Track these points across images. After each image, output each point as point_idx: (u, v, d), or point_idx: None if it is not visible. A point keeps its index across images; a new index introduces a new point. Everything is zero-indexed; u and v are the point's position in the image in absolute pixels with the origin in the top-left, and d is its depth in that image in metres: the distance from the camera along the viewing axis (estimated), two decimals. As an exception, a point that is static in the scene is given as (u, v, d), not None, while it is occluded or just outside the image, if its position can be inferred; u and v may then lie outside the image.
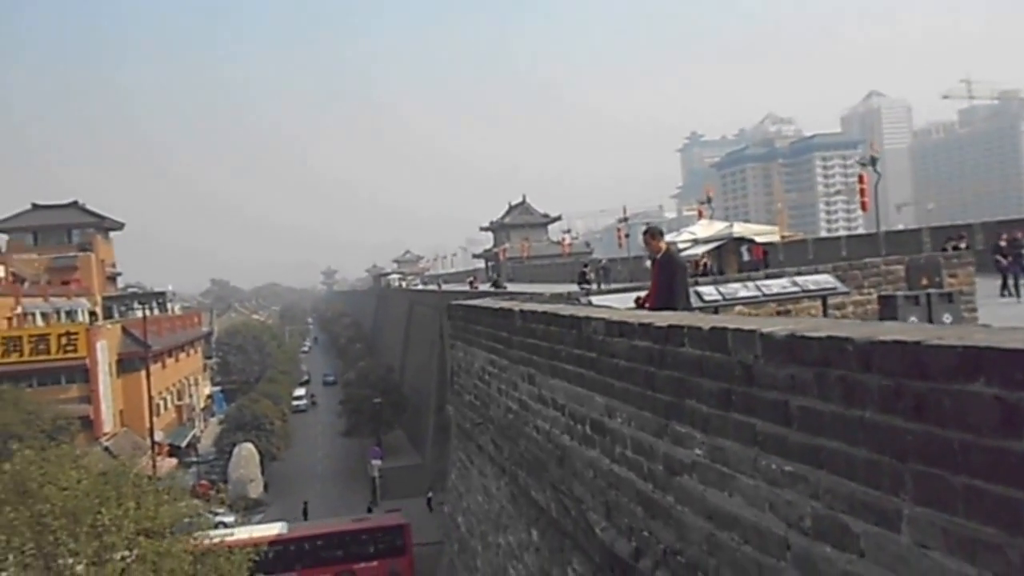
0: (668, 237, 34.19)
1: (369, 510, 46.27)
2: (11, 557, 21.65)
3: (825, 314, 15.89)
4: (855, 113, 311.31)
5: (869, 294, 16.58)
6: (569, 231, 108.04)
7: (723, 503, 4.08)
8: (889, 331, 3.03)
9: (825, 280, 15.62)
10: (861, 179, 38.43)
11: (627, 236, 65.88)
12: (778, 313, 15.10)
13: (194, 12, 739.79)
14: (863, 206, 40.01)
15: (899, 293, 14.32)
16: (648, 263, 10.00)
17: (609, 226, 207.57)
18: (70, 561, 21.72)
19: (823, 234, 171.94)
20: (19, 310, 59.47)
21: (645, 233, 9.80)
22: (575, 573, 6.58)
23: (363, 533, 38.18)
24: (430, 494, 47.14)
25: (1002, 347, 2.42)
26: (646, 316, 5.48)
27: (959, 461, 2.55)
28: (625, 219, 78.86)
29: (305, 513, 47.08)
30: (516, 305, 8.88)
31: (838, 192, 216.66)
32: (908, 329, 3.10)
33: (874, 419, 2.94)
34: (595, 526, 5.90)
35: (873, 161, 36.77)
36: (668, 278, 9.28)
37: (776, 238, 33.54)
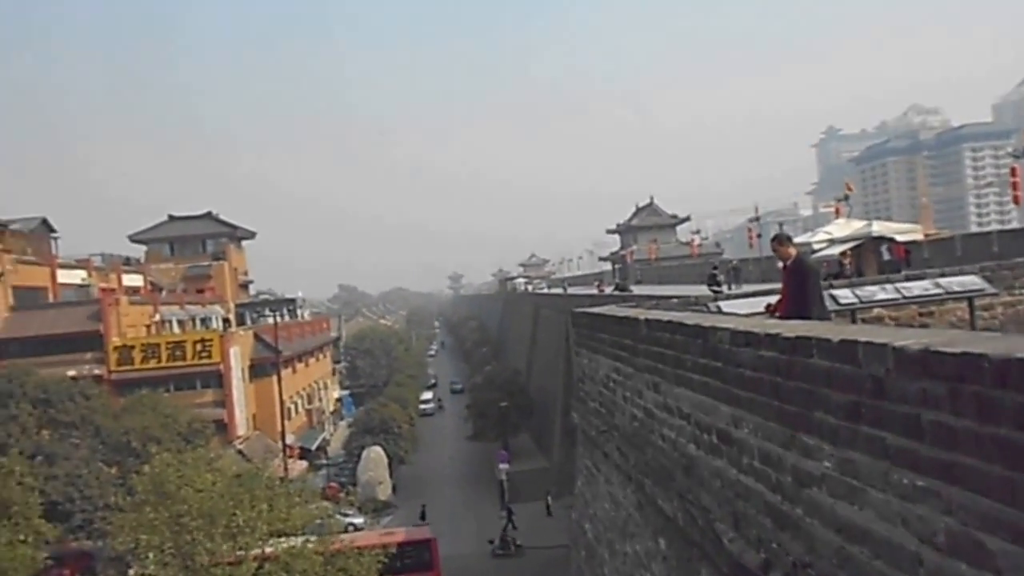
0: (803, 237, 33.52)
1: (510, 513, 46.35)
2: (151, 555, 22.79)
3: (972, 317, 15.18)
4: (1007, 101, 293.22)
5: (1020, 295, 15.77)
6: (698, 232, 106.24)
7: (853, 516, 4.06)
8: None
9: (971, 281, 14.91)
10: (1013, 171, 36.50)
11: (759, 236, 64.44)
12: (920, 316, 14.55)
13: (304, 11, 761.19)
14: (1015, 200, 37.97)
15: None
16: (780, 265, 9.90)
17: (740, 225, 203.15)
18: (206, 560, 22.67)
19: (973, 230, 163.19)
20: (157, 317, 61.86)
21: (773, 240, 9.71)
22: (703, 583, 6.58)
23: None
24: (548, 498, 47.25)
25: None
26: (773, 326, 5.45)
27: (1099, 481, 2.51)
28: (756, 218, 77.26)
29: (423, 516, 47.80)
30: (641, 313, 8.92)
31: (989, 185, 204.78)
32: (1046, 344, 3.03)
33: (1010, 436, 2.90)
34: (723, 536, 5.90)
35: (1026, 151, 34.84)
36: (799, 285, 9.16)
37: (919, 236, 32.08)
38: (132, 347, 54.65)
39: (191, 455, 27.06)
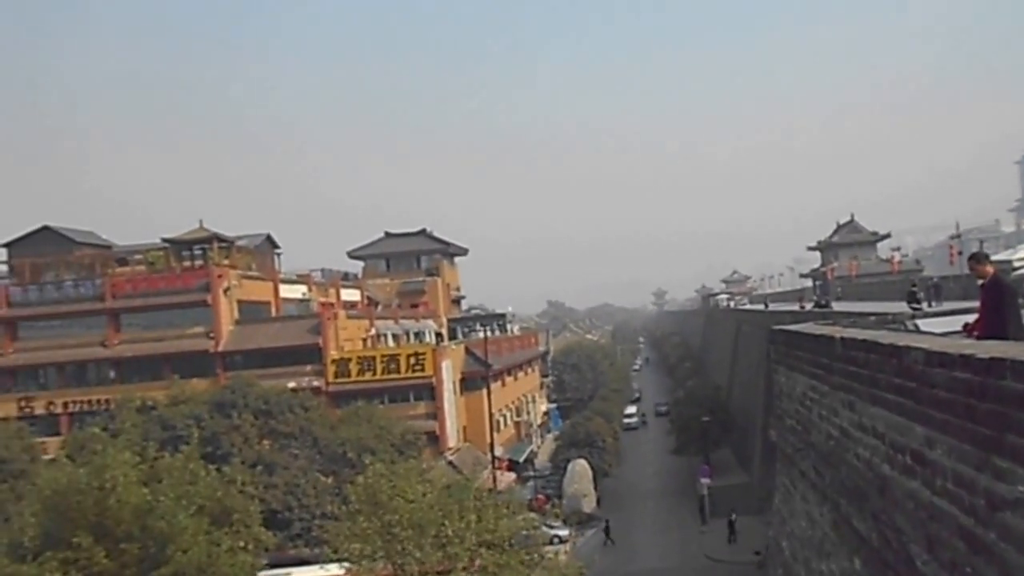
0: (1004, 254, 31.09)
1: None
2: (364, 563, 23.43)
3: None
4: None
5: None
6: (898, 248, 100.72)
7: (1048, 543, 3.89)
8: None
9: None
10: None
11: (959, 253, 60.02)
12: None
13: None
14: None
15: None
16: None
17: (941, 242, 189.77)
18: (415, 570, 22.93)
19: None
20: (372, 331, 63.19)
21: (970, 258, 9.28)
22: (898, 605, 6.37)
23: None
24: (733, 516, 45.60)
25: None
26: (968, 346, 5.26)
27: None
28: (957, 235, 72.02)
29: (607, 531, 47.11)
30: (836, 332, 8.71)
31: None
32: None
33: None
34: (916, 559, 5.72)
35: None
36: (996, 304, 8.70)
37: None
38: (349, 360, 55.98)
39: (403, 466, 27.58)
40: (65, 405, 55.38)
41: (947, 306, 22.35)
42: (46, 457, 42.83)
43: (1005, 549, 4.34)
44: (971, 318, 9.70)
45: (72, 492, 22.19)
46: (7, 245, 62.03)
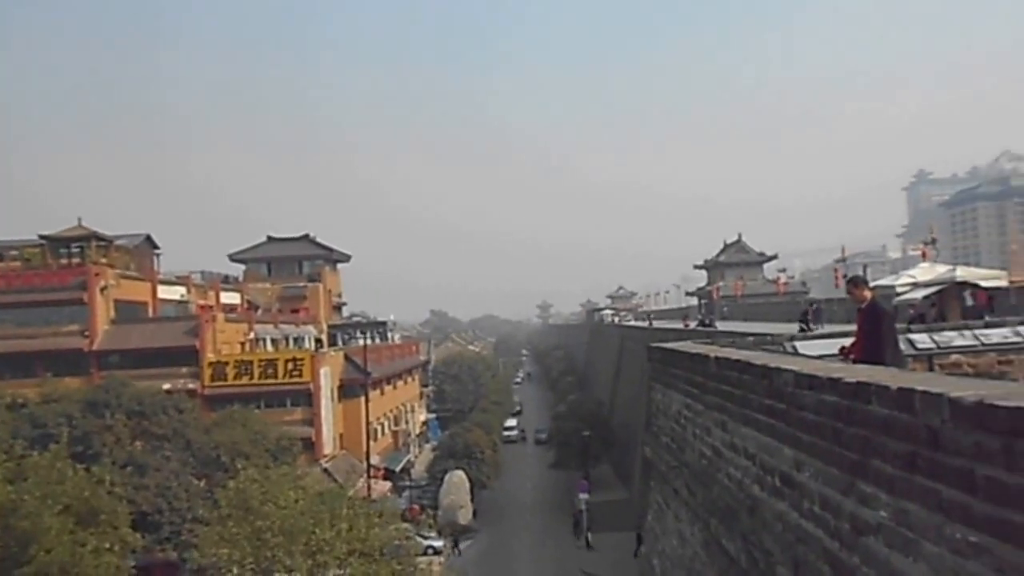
0: (887, 280, 32.60)
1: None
2: (234, 570, 23.01)
3: (1056, 367, 14.51)
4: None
5: (1105, 346, 15.00)
6: (784, 270, 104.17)
7: (908, 569, 3.90)
8: (1082, 404, 2.84)
9: (1054, 331, 14.31)
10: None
11: (845, 276, 62.74)
12: (999, 364, 13.96)
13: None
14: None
15: None
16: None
17: (827, 265, 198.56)
18: None
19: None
20: (251, 335, 62.74)
21: (848, 282, 9.52)
22: (763, 626, 6.40)
23: None
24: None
25: None
26: (837, 370, 5.31)
27: None
28: (843, 259, 75.25)
29: (456, 545, 47.56)
30: (712, 351, 8.79)
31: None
32: (1104, 402, 2.89)
33: (1062, 496, 2.76)
34: (782, 580, 5.74)
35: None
36: (873, 328, 8.93)
37: (1004, 283, 30.92)
38: (226, 363, 55.54)
39: (276, 472, 27.37)
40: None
41: (828, 329, 23.19)
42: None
43: (867, 574, 4.36)
44: (848, 341, 9.96)
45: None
46: None
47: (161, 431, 43.87)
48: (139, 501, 37.57)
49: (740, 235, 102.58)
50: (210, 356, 55.32)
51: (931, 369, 13.24)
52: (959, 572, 3.43)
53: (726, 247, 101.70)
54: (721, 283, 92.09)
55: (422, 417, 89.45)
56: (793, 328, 24.35)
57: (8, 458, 24.42)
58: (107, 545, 26.12)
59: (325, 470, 50.83)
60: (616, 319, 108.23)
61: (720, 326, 44.09)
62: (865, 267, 58.30)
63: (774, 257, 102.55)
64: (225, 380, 55.00)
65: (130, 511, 33.17)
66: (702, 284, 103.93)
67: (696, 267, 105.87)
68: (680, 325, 53.28)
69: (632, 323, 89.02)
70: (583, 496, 52.36)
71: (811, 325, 29.22)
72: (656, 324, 66.79)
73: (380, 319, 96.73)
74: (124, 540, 28.95)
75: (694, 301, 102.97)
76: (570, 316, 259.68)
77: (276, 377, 55.54)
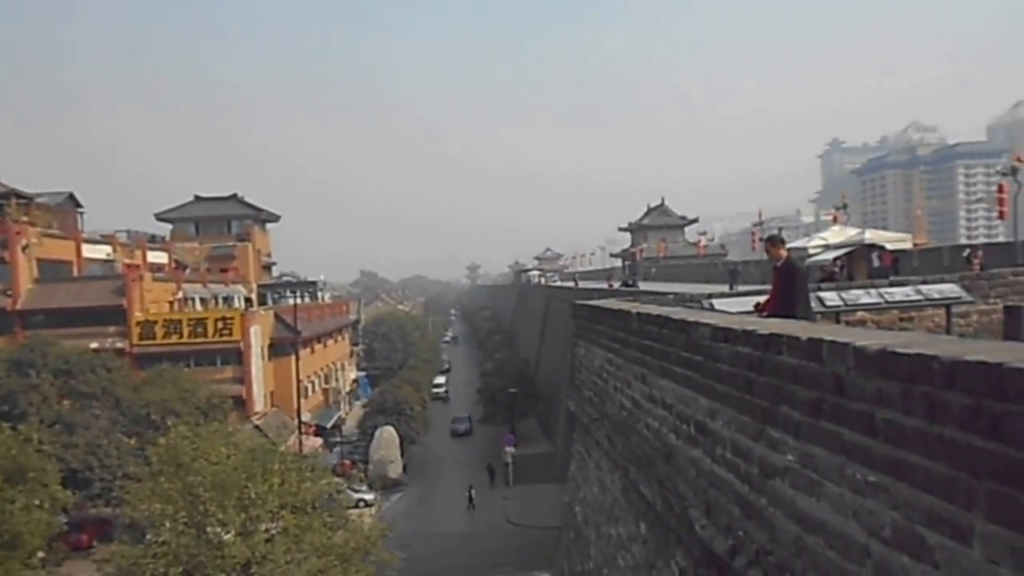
0: (800, 242, 33.40)
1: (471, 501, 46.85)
2: (167, 524, 22.76)
3: (948, 323, 15.14)
4: (1001, 123, 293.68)
5: (995, 304, 15.70)
6: (705, 233, 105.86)
7: (811, 508, 4.04)
8: (975, 351, 2.95)
9: (950, 289, 14.87)
10: (1000, 188, 36.63)
11: (761, 239, 64.02)
12: (900, 320, 14.48)
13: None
14: (1001, 215, 38.29)
15: (1024, 304, 13.51)
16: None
17: (746, 229, 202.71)
18: (219, 530, 22.60)
19: (963, 242, 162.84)
20: (180, 295, 61.58)
21: (766, 241, 9.69)
22: (677, 567, 6.57)
23: None
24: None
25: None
26: (750, 323, 5.43)
27: (1030, 482, 2.49)
28: (760, 223, 76.83)
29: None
30: (633, 307, 8.90)
31: (979, 200, 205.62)
32: (995, 349, 3.00)
33: (954, 436, 2.87)
34: (695, 523, 5.89)
35: (1014, 171, 34.91)
36: (787, 285, 9.13)
37: (908, 245, 31.97)
38: (154, 322, 54.49)
39: (207, 428, 26.99)
40: None
41: (742, 289, 23.73)
42: None
43: (774, 514, 4.50)
44: (763, 299, 10.17)
45: None
46: None
47: (89, 390, 42.95)
48: (69, 459, 37.03)
49: (663, 199, 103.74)
50: (138, 315, 54.09)
51: (837, 324, 13.68)
52: (858, 510, 3.56)
53: (649, 211, 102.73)
54: (644, 245, 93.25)
55: (352, 375, 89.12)
56: (712, 288, 24.85)
57: (-71, 417, 23.55)
58: (37, 502, 25.81)
59: (256, 427, 50.37)
60: (543, 280, 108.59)
61: (643, 286, 44.69)
62: (780, 230, 59.53)
63: (695, 220, 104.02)
64: (154, 339, 53.98)
65: (60, 469, 32.64)
66: (626, 246, 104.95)
67: (620, 229, 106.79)
68: (604, 285, 53.80)
69: (558, 284, 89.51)
70: (509, 450, 52.92)
71: (731, 286, 29.86)
72: (581, 284, 67.29)
73: (310, 279, 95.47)
74: (54, 497, 28.52)
75: (619, 263, 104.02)
76: (498, 277, 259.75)
77: (206, 336, 54.79)
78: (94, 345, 49.20)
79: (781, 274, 9.24)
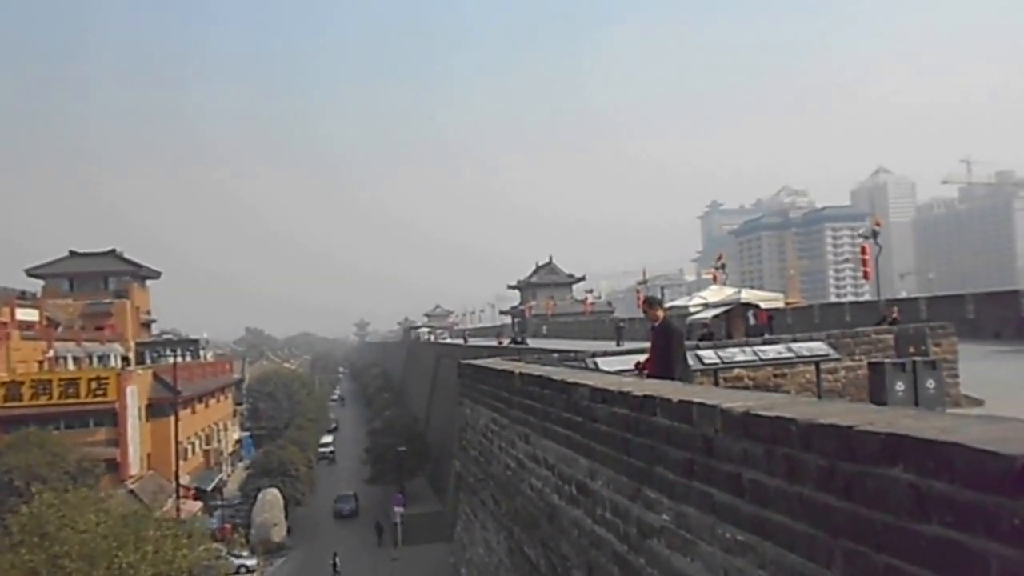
0: (682, 300, 34.47)
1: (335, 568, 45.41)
2: None
3: (818, 379, 15.86)
4: (864, 187, 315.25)
5: (860, 360, 16.55)
6: (591, 291, 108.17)
7: (686, 568, 4.10)
8: (829, 414, 3.08)
9: (818, 347, 15.63)
10: (863, 250, 39.06)
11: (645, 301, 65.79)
12: (775, 377, 15.05)
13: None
14: (865, 275, 40.84)
15: (887, 361, 14.29)
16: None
17: (631, 286, 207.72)
18: None
19: (832, 300, 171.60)
20: (51, 354, 58.95)
21: (644, 303, 9.95)
22: (560, 629, 6.54)
23: None
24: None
25: (919, 436, 2.48)
26: (628, 384, 5.53)
27: (880, 541, 2.60)
28: (644, 281, 78.91)
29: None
30: (517, 367, 8.95)
31: (846, 261, 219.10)
32: (847, 412, 3.15)
33: (812, 496, 2.98)
34: (577, 584, 5.89)
35: (874, 234, 37.29)
36: (665, 345, 9.36)
37: (781, 304, 33.45)
38: (21, 383, 51.53)
39: (75, 495, 25.70)
40: None
41: (626, 347, 24.21)
42: None
43: (651, 574, 4.54)
44: (642, 358, 10.39)
45: None
46: None
47: (-55, 454, 40.19)
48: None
49: (551, 257, 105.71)
50: (3, 375, 51.36)
51: (716, 383, 14.10)
52: (728, 569, 3.63)
53: (538, 268, 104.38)
54: (533, 302, 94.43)
55: (235, 435, 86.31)
56: (599, 345, 25.30)
57: None
58: None
59: (131, 491, 47.90)
60: (432, 336, 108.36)
61: (532, 343, 45.11)
62: (663, 289, 61.44)
63: (582, 279, 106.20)
64: (20, 400, 50.91)
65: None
66: (516, 303, 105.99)
67: (510, 287, 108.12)
68: (494, 342, 54.04)
69: (448, 340, 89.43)
70: (398, 509, 51.96)
71: (619, 343, 30.44)
72: (471, 341, 67.37)
73: (192, 336, 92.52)
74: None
75: (508, 320, 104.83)
76: (388, 334, 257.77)
77: (78, 397, 51.91)
78: (-46, 407, 46.29)
79: (658, 334, 9.48)
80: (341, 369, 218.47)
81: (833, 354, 15.58)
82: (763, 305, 28.82)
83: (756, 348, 15.16)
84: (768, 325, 27.01)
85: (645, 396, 4.67)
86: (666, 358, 9.14)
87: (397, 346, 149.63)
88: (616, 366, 11.66)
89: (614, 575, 5.18)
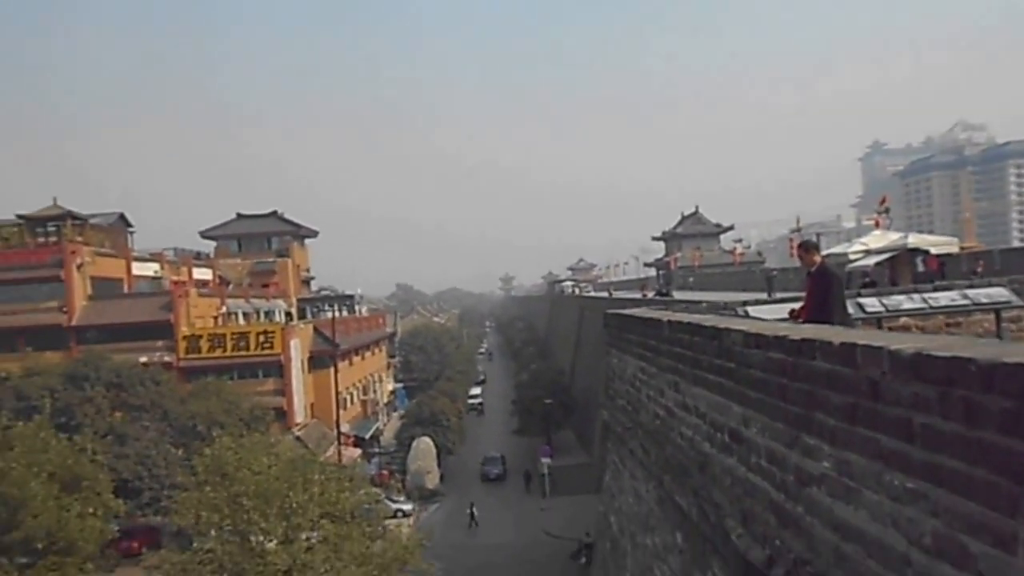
0: (840, 247, 32.82)
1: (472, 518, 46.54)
2: (212, 532, 23.17)
3: (999, 328, 14.76)
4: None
5: (1049, 308, 15.26)
6: (740, 240, 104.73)
7: (849, 516, 3.93)
8: (1014, 353, 2.85)
9: (999, 293, 14.51)
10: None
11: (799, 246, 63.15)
12: (947, 326, 14.15)
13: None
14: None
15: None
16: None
17: (783, 235, 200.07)
18: (262, 539, 22.93)
19: (1014, 244, 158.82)
20: (223, 309, 63.04)
21: (799, 247, 9.55)
22: (713, 577, 6.46)
23: None
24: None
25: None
26: (783, 328, 5.33)
27: (1075, 487, 2.39)
28: (798, 229, 75.83)
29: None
30: (664, 315, 8.81)
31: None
32: (1035, 350, 2.90)
33: (994, 440, 2.78)
34: (731, 532, 5.78)
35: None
36: (822, 291, 8.95)
37: (955, 249, 31.15)
38: (200, 337, 55.83)
39: (250, 439, 27.48)
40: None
41: (778, 296, 23.38)
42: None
43: (811, 523, 4.39)
44: (797, 305, 10.00)
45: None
46: None
47: (139, 402, 44.37)
48: (120, 469, 37.99)
49: (697, 207, 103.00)
50: (184, 330, 55.49)
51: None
52: (896, 517, 3.45)
53: (683, 219, 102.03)
54: (679, 254, 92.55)
55: (389, 387, 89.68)
56: (748, 297, 24.57)
57: (-7, 429, 24.71)
58: (91, 510, 26.73)
59: (297, 438, 50.86)
60: (576, 290, 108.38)
61: (677, 295, 44.36)
62: (818, 236, 58.49)
63: (730, 228, 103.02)
64: (199, 353, 55.23)
65: (112, 479, 33.66)
66: (660, 255, 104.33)
67: (654, 239, 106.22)
68: (638, 295, 53.54)
69: (592, 294, 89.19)
70: (545, 460, 52.72)
71: (770, 294, 29.49)
72: (615, 294, 66.95)
73: (348, 293, 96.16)
74: (107, 505, 29.44)
75: (653, 272, 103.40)
76: (532, 288, 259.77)
77: (248, 349, 55.81)
78: (143, 359, 51.19)
79: (815, 280, 9.07)
80: (488, 323, 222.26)
81: (1016, 301, 14.44)
82: (933, 250, 27.10)
83: (926, 295, 14.27)
84: (939, 272, 25.28)
85: (803, 339, 4.48)
86: (823, 305, 8.73)
87: (541, 300, 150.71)
88: (769, 315, 11.27)
89: (771, 524, 5.05)
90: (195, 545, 24.60)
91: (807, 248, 9.41)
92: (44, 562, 24.83)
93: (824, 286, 8.92)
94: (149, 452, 40.74)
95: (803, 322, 8.97)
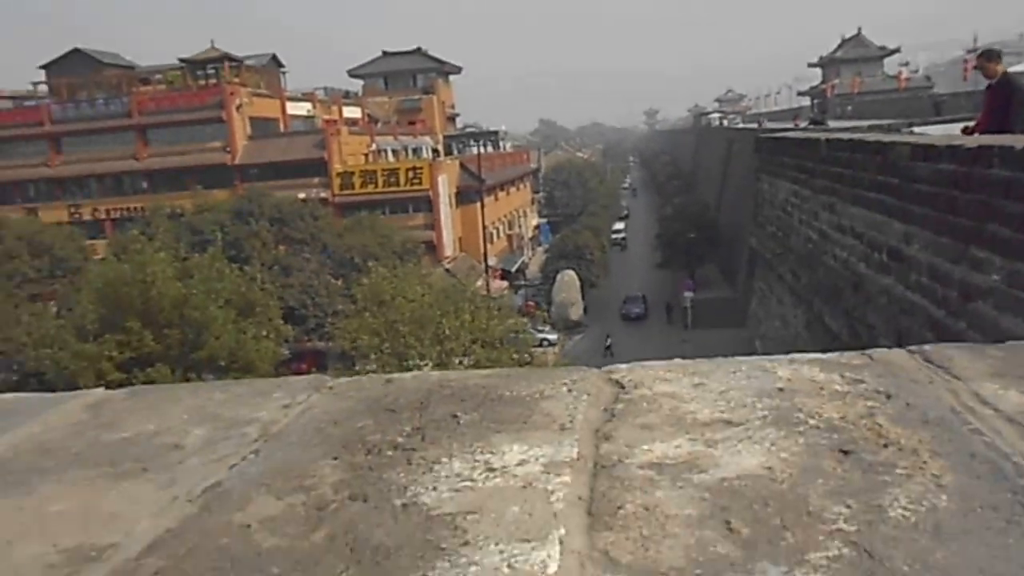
0: (1022, 67, 29.66)
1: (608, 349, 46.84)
2: (373, 355, 24.54)
3: None
4: None
5: None
6: (907, 64, 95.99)
7: (1018, 329, 3.74)
8: None
9: None
10: None
11: (975, 68, 57.45)
12: None
13: None
14: None
15: None
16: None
17: (956, 58, 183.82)
18: (418, 362, 24.09)
19: None
20: (373, 147, 64.17)
21: (979, 56, 8.71)
22: (863, 397, 6.38)
23: None
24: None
25: None
26: (955, 139, 4.97)
27: None
28: (974, 49, 69.16)
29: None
30: (821, 134, 8.38)
31: None
32: None
33: None
34: (885, 352, 5.65)
35: None
36: (1003, 104, 8.15)
37: None
38: (352, 173, 57.37)
39: (403, 270, 28.53)
40: (107, 212, 59.43)
41: (947, 117, 21.74)
42: (96, 257, 45.38)
43: (974, 338, 4.22)
44: (972, 123, 9.24)
45: (120, 284, 24.41)
46: (45, 67, 65.12)
47: (300, 236, 46.48)
48: (286, 298, 40.20)
49: (859, 28, 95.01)
50: (337, 167, 57.04)
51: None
52: (1073, 327, 3.27)
53: (843, 42, 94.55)
54: (836, 81, 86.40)
55: (534, 221, 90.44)
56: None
57: (175, 259, 26.72)
58: (264, 333, 28.70)
59: (447, 270, 52.46)
60: (724, 122, 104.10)
61: (833, 125, 41.91)
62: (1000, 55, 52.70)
63: (896, 51, 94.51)
64: (352, 189, 57.02)
65: (279, 306, 35.90)
66: (816, 83, 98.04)
67: (810, 65, 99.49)
68: (791, 125, 51.01)
69: (740, 126, 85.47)
70: (688, 294, 52.59)
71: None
72: (765, 125, 63.95)
73: (492, 129, 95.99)
74: (278, 330, 31.70)
75: (807, 101, 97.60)
76: (677, 122, 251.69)
77: (398, 185, 57.14)
78: (301, 195, 52.83)
79: (995, 92, 8.27)
80: (631, 158, 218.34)
81: None
82: None
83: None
84: None
85: (980, 147, 4.17)
86: (1003, 119, 7.96)
87: (687, 134, 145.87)
88: (938, 134, 10.47)
89: (928, 341, 4.88)
90: (357, 367, 26.12)
91: (989, 57, 8.58)
92: (227, 378, 27.10)
93: (1005, 98, 8.13)
94: (311, 282, 43.00)
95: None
